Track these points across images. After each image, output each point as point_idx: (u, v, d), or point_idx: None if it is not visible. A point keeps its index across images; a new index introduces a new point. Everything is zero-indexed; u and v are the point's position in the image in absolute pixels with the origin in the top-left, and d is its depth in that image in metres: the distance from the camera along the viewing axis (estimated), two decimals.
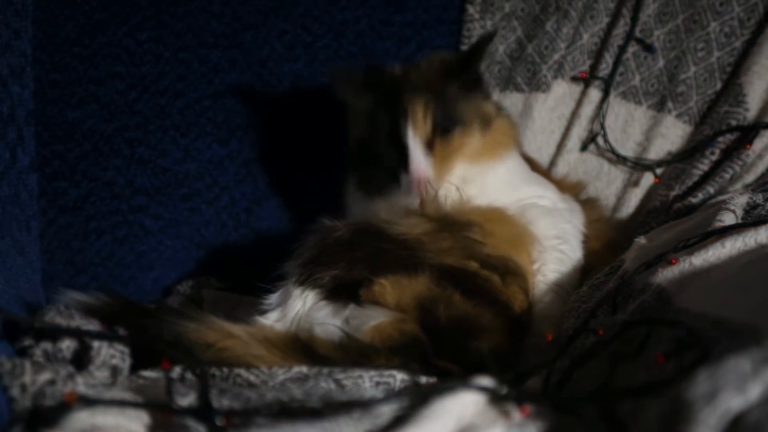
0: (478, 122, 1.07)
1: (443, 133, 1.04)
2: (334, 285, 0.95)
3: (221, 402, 0.65)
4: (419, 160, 1.02)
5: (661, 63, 1.32)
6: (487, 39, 1.06)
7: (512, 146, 1.14)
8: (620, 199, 1.33)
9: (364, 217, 1.06)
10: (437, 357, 0.86)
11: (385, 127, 1.05)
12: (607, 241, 1.15)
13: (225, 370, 0.78)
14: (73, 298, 0.94)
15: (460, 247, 0.98)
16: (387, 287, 0.92)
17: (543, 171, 1.24)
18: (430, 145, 1.04)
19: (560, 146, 1.37)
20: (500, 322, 0.93)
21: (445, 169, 1.05)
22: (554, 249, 1.04)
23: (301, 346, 0.86)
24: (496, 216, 1.04)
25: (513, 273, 1.00)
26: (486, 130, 1.08)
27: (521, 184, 1.13)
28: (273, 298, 1.00)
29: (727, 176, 1.19)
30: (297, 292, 0.97)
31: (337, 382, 0.75)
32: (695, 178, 1.22)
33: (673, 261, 0.83)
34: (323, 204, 1.13)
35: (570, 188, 1.23)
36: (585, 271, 1.07)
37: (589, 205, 1.21)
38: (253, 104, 1.44)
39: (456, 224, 1.00)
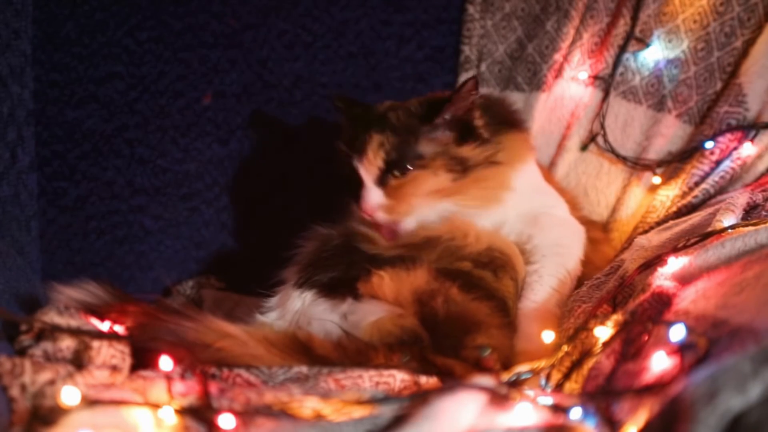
0: (444, 164, 1.05)
1: (399, 172, 1.05)
2: (332, 283, 0.97)
3: (221, 402, 0.65)
4: (370, 195, 1.06)
5: (662, 64, 1.32)
6: (463, 84, 1.03)
7: (523, 161, 1.12)
8: (620, 199, 1.33)
9: (361, 224, 1.09)
10: (436, 352, 0.87)
11: (349, 163, 1.08)
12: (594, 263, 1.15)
13: (225, 370, 0.78)
14: (69, 296, 0.94)
15: (447, 255, 1.01)
16: (386, 279, 0.94)
17: (552, 182, 1.24)
18: (382, 181, 1.05)
19: (560, 146, 1.37)
20: (498, 318, 0.95)
21: (401, 206, 1.05)
22: (556, 255, 1.05)
23: (300, 346, 0.87)
24: (455, 219, 1.05)
25: (502, 266, 1.02)
26: (463, 175, 1.06)
27: (537, 192, 1.14)
28: (272, 300, 1.02)
29: (727, 176, 1.19)
30: (296, 293, 0.98)
31: (336, 382, 0.75)
32: (695, 178, 1.22)
33: (673, 261, 0.83)
34: (323, 204, 1.13)
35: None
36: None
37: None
38: (253, 104, 1.44)
39: (427, 243, 1.02)
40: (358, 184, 1.08)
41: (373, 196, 1.05)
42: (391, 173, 1.05)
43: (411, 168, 1.04)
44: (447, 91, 1.16)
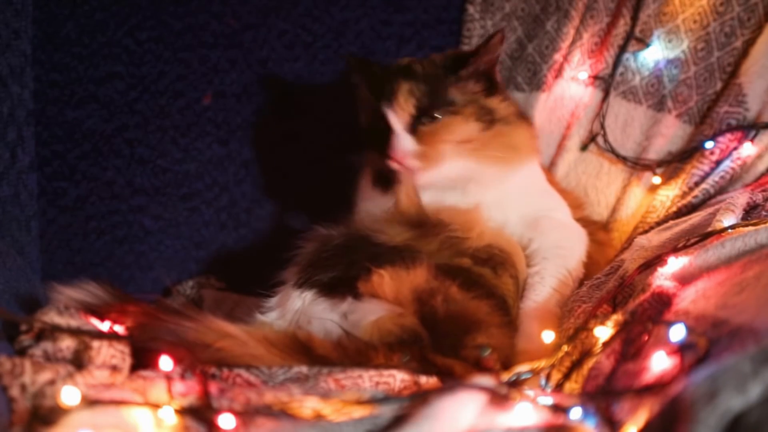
0: (474, 112, 1.07)
1: (429, 118, 1.05)
2: (333, 282, 0.97)
3: (221, 402, 0.65)
4: (399, 139, 1.05)
5: (662, 64, 1.32)
6: (491, 37, 1.06)
7: (529, 155, 1.13)
8: (620, 199, 1.33)
9: (363, 218, 1.09)
10: (436, 352, 0.87)
11: (377, 112, 1.07)
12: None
13: (225, 370, 0.78)
14: (69, 296, 0.94)
15: (447, 246, 1.01)
16: (386, 278, 0.94)
17: (554, 184, 1.24)
18: (413, 128, 1.05)
19: (560, 146, 1.37)
20: (497, 317, 0.95)
21: (432, 153, 1.05)
22: (557, 257, 1.05)
23: (300, 346, 0.87)
24: (465, 212, 1.06)
25: (501, 263, 1.02)
26: (490, 125, 1.08)
27: (539, 194, 1.14)
28: (272, 300, 1.02)
29: (727, 176, 1.19)
30: (296, 293, 0.98)
31: (336, 382, 0.75)
32: (695, 178, 1.22)
33: (673, 261, 0.83)
34: (323, 204, 1.13)
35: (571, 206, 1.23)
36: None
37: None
38: (253, 104, 1.44)
39: (434, 226, 1.03)
40: (383, 135, 1.06)
41: (405, 143, 1.05)
42: (422, 119, 1.05)
43: (441, 115, 1.05)
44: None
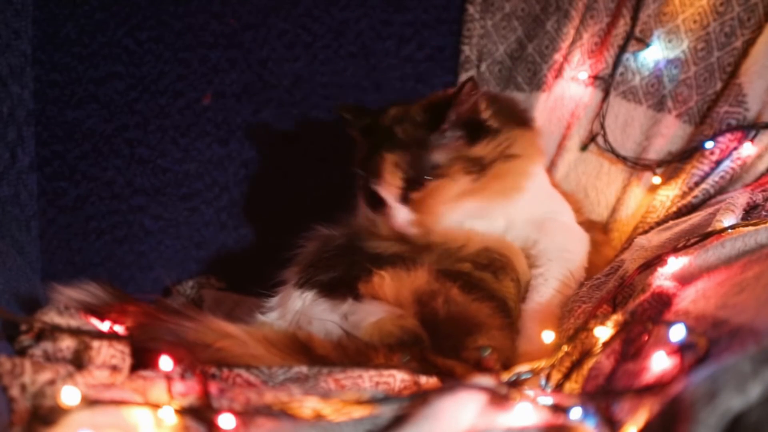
0: (462, 168, 1.05)
1: (418, 186, 1.04)
2: (333, 283, 0.97)
3: (221, 402, 0.65)
4: (396, 213, 1.05)
5: (662, 64, 1.32)
6: (462, 85, 1.02)
7: (533, 163, 1.12)
8: (620, 199, 1.33)
9: (363, 222, 1.10)
10: (437, 353, 0.87)
11: (367, 181, 1.08)
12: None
13: (225, 370, 0.78)
14: (69, 296, 0.94)
15: (446, 256, 1.01)
16: (386, 279, 0.94)
17: (556, 187, 1.24)
18: (404, 198, 1.05)
19: (560, 146, 1.37)
20: (498, 319, 0.95)
21: (429, 216, 1.05)
22: (561, 260, 1.05)
23: (300, 346, 0.87)
24: (459, 232, 1.06)
25: (502, 267, 1.02)
26: (481, 173, 1.06)
27: (544, 197, 1.14)
28: (273, 300, 1.02)
29: (727, 176, 1.19)
30: (297, 293, 0.99)
31: (336, 382, 0.75)
32: (695, 178, 1.22)
33: (673, 261, 0.83)
34: (324, 204, 1.13)
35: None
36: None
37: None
38: (253, 104, 1.44)
39: (429, 245, 1.03)
40: (377, 200, 1.08)
41: (401, 214, 1.05)
42: (411, 189, 1.05)
43: (430, 179, 1.04)
44: (449, 90, 1.16)
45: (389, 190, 1.05)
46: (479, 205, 1.07)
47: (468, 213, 1.07)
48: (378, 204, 1.08)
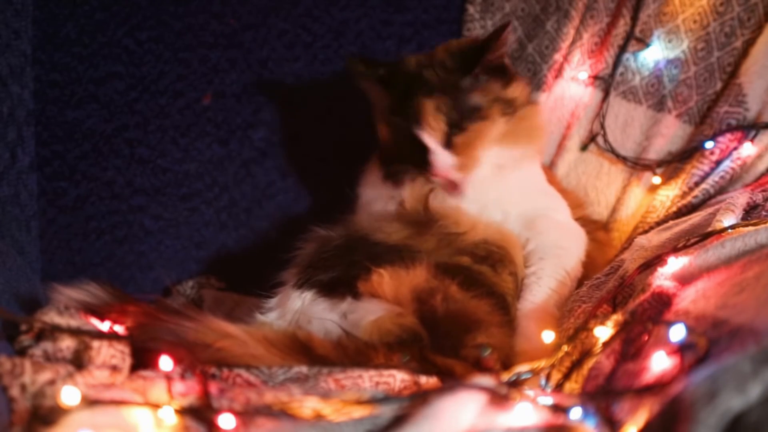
0: (500, 109, 1.08)
1: (461, 129, 1.06)
2: (332, 282, 0.97)
3: (221, 402, 0.65)
4: (440, 159, 1.06)
5: (662, 64, 1.32)
6: (500, 29, 1.06)
7: (542, 130, 1.17)
8: (620, 199, 1.33)
9: (362, 218, 1.10)
10: (436, 352, 0.87)
11: (405, 131, 1.08)
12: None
13: (225, 370, 0.78)
14: (69, 296, 0.94)
15: (445, 244, 1.02)
16: (385, 277, 0.94)
17: (556, 184, 1.24)
18: (448, 142, 1.06)
19: (560, 146, 1.37)
20: (498, 316, 0.95)
21: (470, 160, 1.07)
22: (554, 257, 1.05)
23: (300, 346, 0.87)
24: (466, 217, 1.07)
25: (500, 260, 1.03)
26: (513, 114, 1.09)
27: (538, 194, 1.15)
28: (272, 300, 1.02)
29: (727, 176, 1.19)
30: (296, 293, 0.99)
31: (336, 382, 0.75)
32: (695, 178, 1.23)
33: (673, 261, 0.83)
34: (324, 204, 1.13)
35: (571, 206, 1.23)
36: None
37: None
38: (253, 104, 1.44)
39: (429, 222, 1.04)
40: (417, 151, 1.07)
41: (445, 159, 1.06)
42: (454, 133, 1.06)
43: (472, 121, 1.06)
44: (470, 36, 1.18)
45: (434, 135, 1.05)
46: (507, 150, 1.09)
47: (496, 160, 1.09)
48: (417, 154, 1.07)
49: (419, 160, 1.07)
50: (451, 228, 1.04)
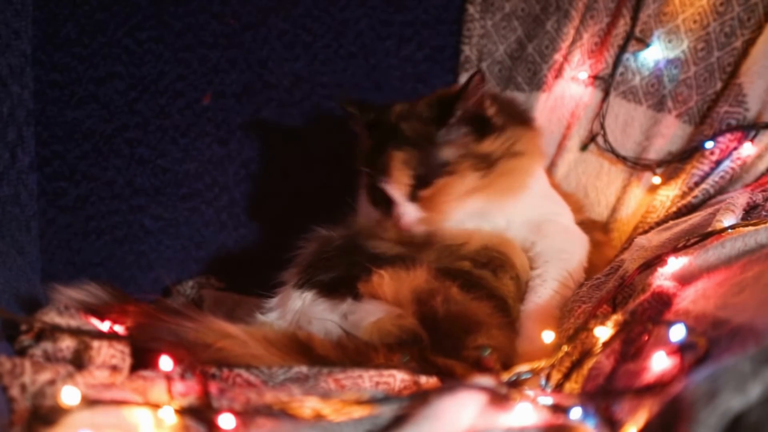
0: (471, 164, 1.05)
1: (426, 184, 1.04)
2: (333, 283, 0.97)
3: (221, 402, 0.65)
4: (404, 211, 1.05)
5: (662, 64, 1.32)
6: (470, 79, 1.02)
7: (536, 163, 1.13)
8: (620, 199, 1.33)
9: (364, 222, 1.10)
10: (437, 353, 0.87)
11: (374, 178, 1.07)
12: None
13: (225, 370, 0.78)
14: (69, 296, 0.94)
15: (446, 255, 1.01)
16: (386, 278, 0.94)
17: (556, 188, 1.23)
18: (413, 196, 1.05)
19: (560, 146, 1.38)
20: (498, 318, 0.95)
21: (437, 214, 1.05)
22: (559, 260, 1.05)
23: (300, 346, 0.87)
24: (460, 231, 1.06)
25: (501, 265, 1.03)
26: (489, 169, 1.06)
27: (543, 199, 1.14)
28: (273, 301, 1.02)
29: (727, 176, 1.19)
30: (297, 293, 0.99)
31: (336, 382, 0.75)
32: (695, 178, 1.22)
33: (673, 261, 0.83)
34: (324, 204, 1.13)
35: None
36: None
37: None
38: (253, 104, 1.44)
39: (425, 243, 1.04)
40: (383, 198, 1.07)
41: (409, 212, 1.05)
42: (420, 187, 1.05)
43: (439, 177, 1.04)
44: (452, 87, 1.16)
45: (398, 189, 1.05)
46: (485, 203, 1.07)
47: (473, 211, 1.07)
48: (384, 203, 1.08)
49: (387, 210, 1.07)
50: (449, 241, 1.04)
